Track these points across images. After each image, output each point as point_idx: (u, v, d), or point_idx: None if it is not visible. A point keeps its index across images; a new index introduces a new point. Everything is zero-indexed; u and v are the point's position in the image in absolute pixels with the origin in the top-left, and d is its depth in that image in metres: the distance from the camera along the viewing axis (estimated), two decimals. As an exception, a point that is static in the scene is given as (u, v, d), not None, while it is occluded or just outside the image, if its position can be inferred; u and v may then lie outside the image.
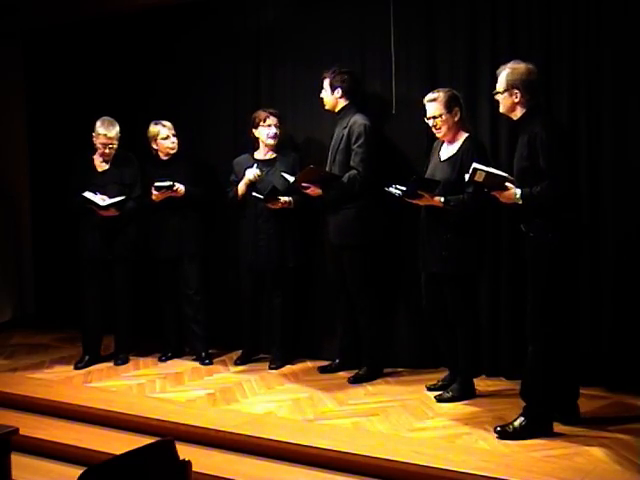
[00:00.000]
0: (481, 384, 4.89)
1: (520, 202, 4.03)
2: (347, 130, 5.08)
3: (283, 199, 5.31)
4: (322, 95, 5.21)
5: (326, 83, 5.17)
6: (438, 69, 5.15)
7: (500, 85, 4.10)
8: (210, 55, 6.08)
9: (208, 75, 6.11)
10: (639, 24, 4.48)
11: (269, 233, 5.42)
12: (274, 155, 5.53)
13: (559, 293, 4.00)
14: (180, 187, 5.54)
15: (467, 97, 4.96)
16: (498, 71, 4.15)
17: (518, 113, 4.08)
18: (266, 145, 5.50)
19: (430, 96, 4.62)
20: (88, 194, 5.48)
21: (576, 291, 4.26)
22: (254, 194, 5.31)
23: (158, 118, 5.75)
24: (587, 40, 4.63)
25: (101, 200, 5.50)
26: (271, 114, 5.43)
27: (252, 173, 5.38)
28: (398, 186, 4.58)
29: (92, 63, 6.65)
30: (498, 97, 4.12)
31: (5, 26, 6.82)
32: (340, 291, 5.29)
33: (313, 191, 5.07)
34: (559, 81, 4.72)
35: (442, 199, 4.48)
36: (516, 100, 4.05)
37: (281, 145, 5.56)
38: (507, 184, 4.07)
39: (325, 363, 5.48)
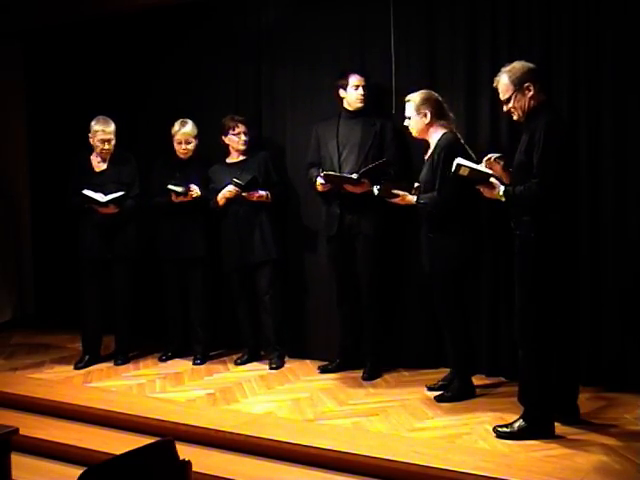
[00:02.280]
0: (481, 384, 4.90)
1: (503, 199, 4.02)
2: (379, 127, 5.13)
3: (261, 192, 5.42)
4: (361, 93, 5.15)
5: (362, 81, 5.15)
6: (438, 68, 5.15)
7: (508, 89, 3.98)
8: (210, 55, 6.08)
9: (208, 75, 6.11)
10: (639, 24, 4.48)
11: (250, 228, 5.50)
12: (245, 157, 5.62)
13: (546, 294, 3.94)
14: (195, 189, 5.54)
15: (467, 96, 4.97)
16: (496, 82, 4.06)
17: (531, 108, 3.98)
18: (237, 150, 5.60)
19: (407, 97, 4.72)
20: (87, 192, 5.48)
21: (569, 292, 4.16)
22: (235, 180, 5.38)
23: (158, 118, 5.75)
24: (587, 40, 4.63)
25: (101, 197, 5.50)
26: (239, 122, 5.53)
27: (228, 191, 5.46)
28: (377, 186, 4.75)
29: (92, 63, 6.65)
30: (510, 104, 4.00)
31: (5, 26, 6.82)
32: (345, 291, 5.29)
33: (364, 187, 4.97)
34: (559, 81, 4.72)
35: (415, 198, 4.60)
36: (530, 94, 3.95)
37: (252, 146, 5.63)
38: (492, 180, 4.06)
39: (325, 363, 5.47)
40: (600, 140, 4.64)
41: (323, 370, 5.38)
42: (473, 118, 4.94)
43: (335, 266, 5.32)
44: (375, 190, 4.76)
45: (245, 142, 5.56)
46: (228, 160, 5.67)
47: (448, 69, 5.10)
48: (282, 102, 5.76)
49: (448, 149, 4.53)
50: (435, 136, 4.65)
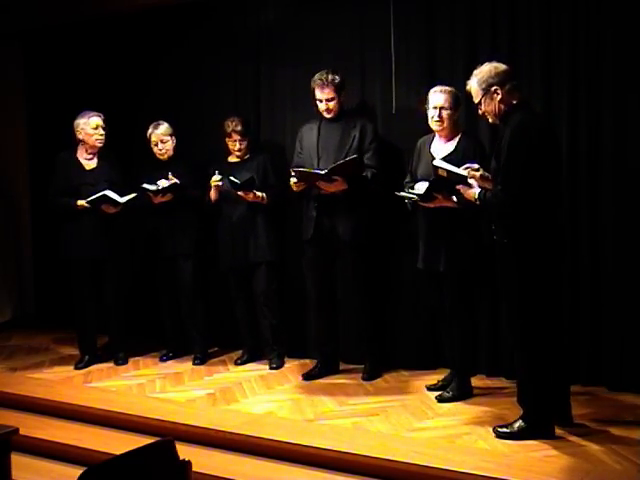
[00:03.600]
0: (481, 384, 4.91)
1: (478, 203, 4.02)
2: (358, 130, 5.07)
3: (256, 193, 5.40)
4: (332, 104, 5.05)
5: (333, 90, 5.03)
6: (438, 68, 5.14)
7: (477, 93, 3.97)
8: (210, 55, 6.08)
9: (208, 75, 6.11)
10: (639, 24, 4.48)
11: (244, 230, 5.49)
12: (246, 158, 5.62)
13: (530, 297, 3.89)
14: (162, 182, 5.50)
15: (467, 96, 4.95)
16: (468, 86, 4.05)
17: (502, 111, 3.95)
18: (235, 153, 5.64)
19: (440, 87, 4.63)
20: (109, 192, 5.46)
21: (553, 294, 4.04)
22: (231, 178, 5.35)
23: (158, 118, 5.74)
24: (587, 40, 4.63)
25: (118, 197, 5.48)
26: (233, 131, 5.51)
27: (214, 180, 5.47)
28: (411, 190, 4.59)
29: (92, 63, 6.65)
30: (482, 108, 3.99)
31: (5, 26, 6.82)
32: (323, 297, 5.24)
33: (337, 186, 4.91)
34: (559, 81, 4.72)
35: (455, 198, 4.41)
36: (498, 97, 3.91)
37: (253, 147, 5.65)
38: (470, 181, 4.05)
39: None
40: (600, 140, 4.64)
41: (307, 377, 5.26)
42: (473, 119, 4.92)
43: (313, 271, 5.22)
44: (406, 194, 4.59)
45: (239, 149, 5.56)
46: (230, 159, 5.67)
47: (448, 69, 5.10)
48: (282, 102, 5.76)
49: (481, 149, 4.54)
50: (456, 135, 4.61)
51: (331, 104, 5.07)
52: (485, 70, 3.97)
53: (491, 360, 5.08)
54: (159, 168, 5.68)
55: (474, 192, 4.02)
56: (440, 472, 3.66)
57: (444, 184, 4.37)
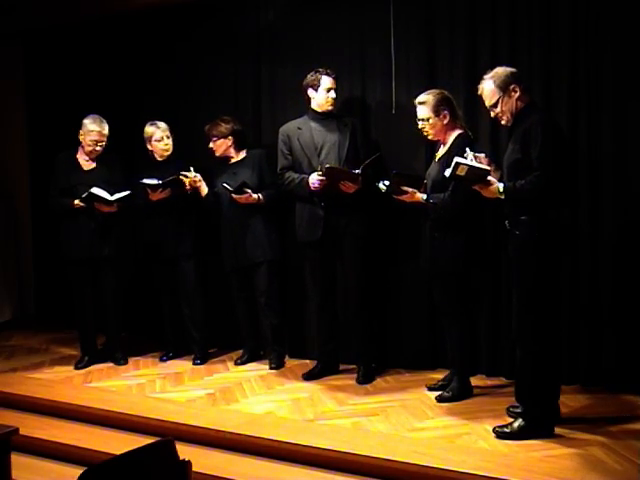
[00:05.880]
0: (481, 383, 4.91)
1: (502, 197, 4.02)
2: (350, 127, 5.11)
3: (252, 195, 5.39)
4: (333, 97, 5.08)
5: (335, 84, 5.09)
6: (438, 69, 5.15)
7: (494, 93, 4.02)
8: (210, 55, 6.08)
9: (208, 75, 6.11)
10: (639, 24, 4.48)
11: (243, 230, 5.50)
12: (242, 155, 5.63)
13: (545, 293, 3.95)
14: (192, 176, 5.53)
15: (467, 95, 4.96)
16: (480, 89, 4.09)
17: (518, 109, 4.02)
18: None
19: (420, 99, 4.62)
20: (96, 190, 5.46)
21: (559, 291, 4.17)
22: (224, 185, 5.38)
23: (158, 118, 5.74)
24: (587, 40, 4.63)
25: (108, 195, 5.48)
26: (211, 136, 5.54)
27: (190, 176, 5.50)
28: (385, 182, 4.67)
29: (92, 63, 6.65)
30: (497, 109, 4.04)
31: (5, 26, 6.82)
32: (329, 296, 5.25)
33: (357, 185, 4.91)
34: (559, 82, 4.72)
35: (424, 196, 4.55)
36: (516, 95, 3.99)
37: (249, 144, 5.69)
38: (490, 178, 4.06)
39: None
40: (600, 141, 4.64)
41: (308, 377, 5.26)
42: (473, 119, 4.93)
43: (318, 271, 5.21)
44: (382, 186, 4.68)
45: (221, 155, 5.59)
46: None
47: (448, 70, 5.10)
48: (282, 102, 5.75)
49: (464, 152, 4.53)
50: (451, 136, 4.61)
51: (335, 94, 5.11)
52: (501, 71, 4.05)
53: (491, 360, 5.08)
54: (157, 168, 5.68)
55: (496, 186, 4.03)
56: (440, 472, 3.66)
57: (410, 179, 4.61)
